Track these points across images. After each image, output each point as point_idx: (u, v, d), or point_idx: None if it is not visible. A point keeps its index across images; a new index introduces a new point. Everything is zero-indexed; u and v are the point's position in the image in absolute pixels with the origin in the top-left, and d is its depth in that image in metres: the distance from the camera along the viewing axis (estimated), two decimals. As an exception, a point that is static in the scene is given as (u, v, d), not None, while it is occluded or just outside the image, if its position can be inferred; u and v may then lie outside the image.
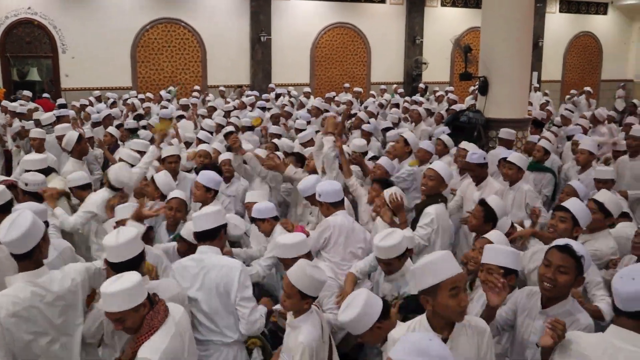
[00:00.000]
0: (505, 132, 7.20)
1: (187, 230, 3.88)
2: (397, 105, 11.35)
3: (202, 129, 7.93)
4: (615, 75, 20.85)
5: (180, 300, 3.09)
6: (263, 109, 10.54)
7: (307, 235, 4.07)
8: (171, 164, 5.68)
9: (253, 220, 4.49)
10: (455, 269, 2.39)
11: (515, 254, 3.11)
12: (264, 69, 15.85)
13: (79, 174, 5.07)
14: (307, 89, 14.68)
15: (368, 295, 2.79)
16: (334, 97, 13.10)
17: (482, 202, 4.13)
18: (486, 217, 4.03)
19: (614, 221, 4.34)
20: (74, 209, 4.81)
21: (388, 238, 3.44)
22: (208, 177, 4.63)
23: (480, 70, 8.15)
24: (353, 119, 9.18)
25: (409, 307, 3.03)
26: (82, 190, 4.89)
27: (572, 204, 3.82)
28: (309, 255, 3.61)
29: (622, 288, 2.20)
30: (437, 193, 4.59)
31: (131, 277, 2.54)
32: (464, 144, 6.13)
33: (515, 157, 5.39)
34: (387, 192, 4.44)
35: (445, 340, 2.39)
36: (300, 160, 6.07)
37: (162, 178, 4.98)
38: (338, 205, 4.31)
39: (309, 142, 6.89)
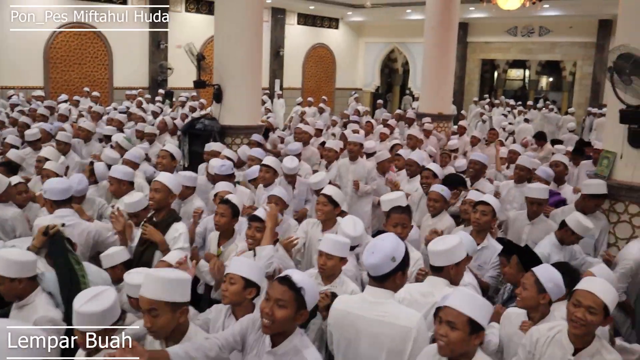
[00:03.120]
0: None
1: None
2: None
3: None
4: (347, 84, 23.12)
5: None
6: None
7: None
8: None
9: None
10: None
11: (259, 269, 3.13)
12: (-14, 69, 14.15)
13: None
14: (40, 92, 13.54)
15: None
16: (65, 100, 12.45)
17: (226, 201, 4.32)
18: (233, 213, 4.28)
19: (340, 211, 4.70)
20: None
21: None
22: None
23: (215, 78, 8.37)
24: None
25: None
26: None
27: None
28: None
29: (366, 261, 2.74)
30: (166, 205, 4.31)
31: None
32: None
33: (270, 160, 5.82)
34: None
35: None
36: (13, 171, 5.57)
37: None
38: (61, 204, 4.15)
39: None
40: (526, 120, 14.97)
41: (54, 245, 3.46)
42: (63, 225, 3.60)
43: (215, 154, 6.54)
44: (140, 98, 13.88)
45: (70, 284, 3.27)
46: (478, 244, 4.19)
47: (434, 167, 6.04)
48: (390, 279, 2.71)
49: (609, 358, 2.73)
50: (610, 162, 5.04)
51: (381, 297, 2.72)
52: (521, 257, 3.73)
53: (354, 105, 15.78)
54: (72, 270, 3.34)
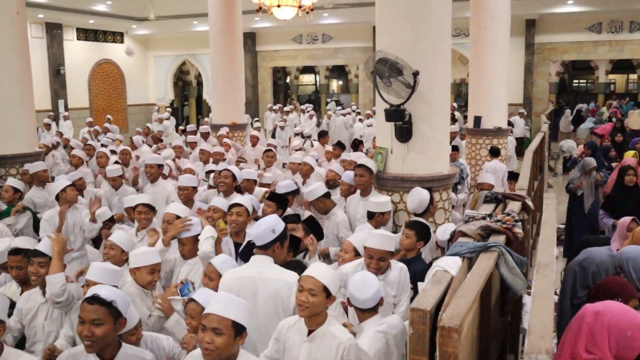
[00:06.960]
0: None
1: None
2: None
3: None
4: (140, 100, 22.28)
5: None
6: None
7: None
8: None
9: None
10: None
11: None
12: None
13: None
14: None
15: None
16: None
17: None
18: None
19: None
20: None
21: None
22: None
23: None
24: None
25: None
26: None
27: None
28: None
29: (252, 232, 3.36)
30: None
31: None
32: None
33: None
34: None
35: None
36: None
37: None
38: None
39: None
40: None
41: None
42: None
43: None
44: None
45: None
46: (241, 244, 4.47)
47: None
48: (271, 247, 3.34)
49: (339, 335, 2.95)
50: (383, 157, 5.46)
51: (266, 262, 3.32)
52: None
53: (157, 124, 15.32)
54: None
